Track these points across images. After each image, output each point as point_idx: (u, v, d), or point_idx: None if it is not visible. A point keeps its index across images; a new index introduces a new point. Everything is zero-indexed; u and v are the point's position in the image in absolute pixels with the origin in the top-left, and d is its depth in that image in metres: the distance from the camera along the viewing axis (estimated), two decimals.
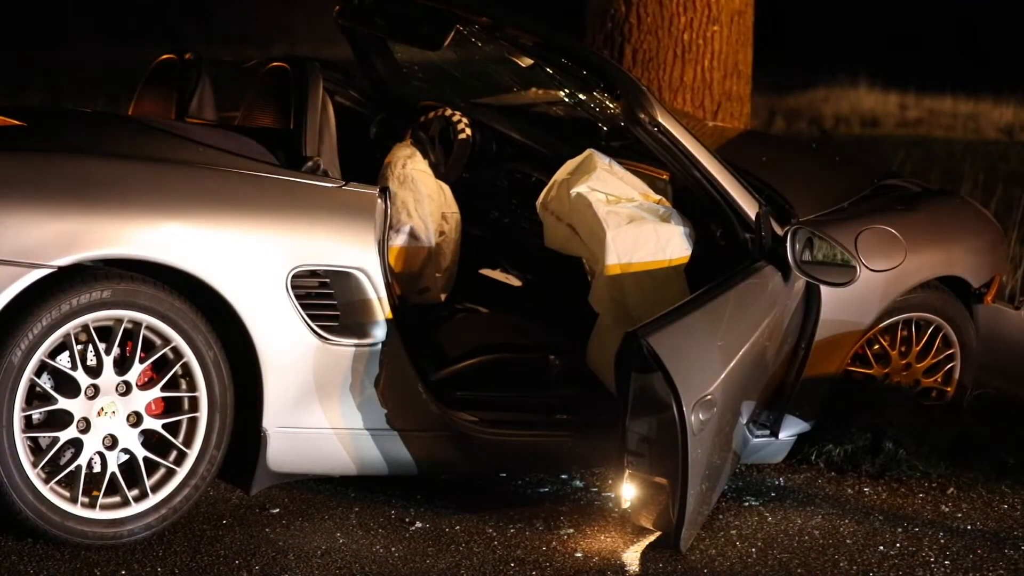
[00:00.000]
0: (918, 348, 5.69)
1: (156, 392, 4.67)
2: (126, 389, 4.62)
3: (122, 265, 4.58)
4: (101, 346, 4.57)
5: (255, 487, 4.90)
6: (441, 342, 5.45)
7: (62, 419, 4.56)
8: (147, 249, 4.54)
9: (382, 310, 4.85)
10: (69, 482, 4.58)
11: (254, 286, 4.68)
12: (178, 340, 4.63)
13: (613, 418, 4.84)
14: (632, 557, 4.78)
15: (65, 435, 4.56)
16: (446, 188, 5.87)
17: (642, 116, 5.04)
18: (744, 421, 5.12)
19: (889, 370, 5.66)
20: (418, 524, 4.94)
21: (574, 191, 5.28)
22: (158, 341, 4.63)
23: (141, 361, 4.63)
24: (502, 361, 5.41)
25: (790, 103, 15.65)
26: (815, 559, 4.81)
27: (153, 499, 4.66)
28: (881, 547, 4.92)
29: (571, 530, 4.95)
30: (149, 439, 4.69)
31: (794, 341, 5.25)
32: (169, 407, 4.71)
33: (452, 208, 5.85)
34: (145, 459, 4.67)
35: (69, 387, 4.56)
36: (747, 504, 5.24)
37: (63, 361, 4.56)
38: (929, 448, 5.59)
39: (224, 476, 4.94)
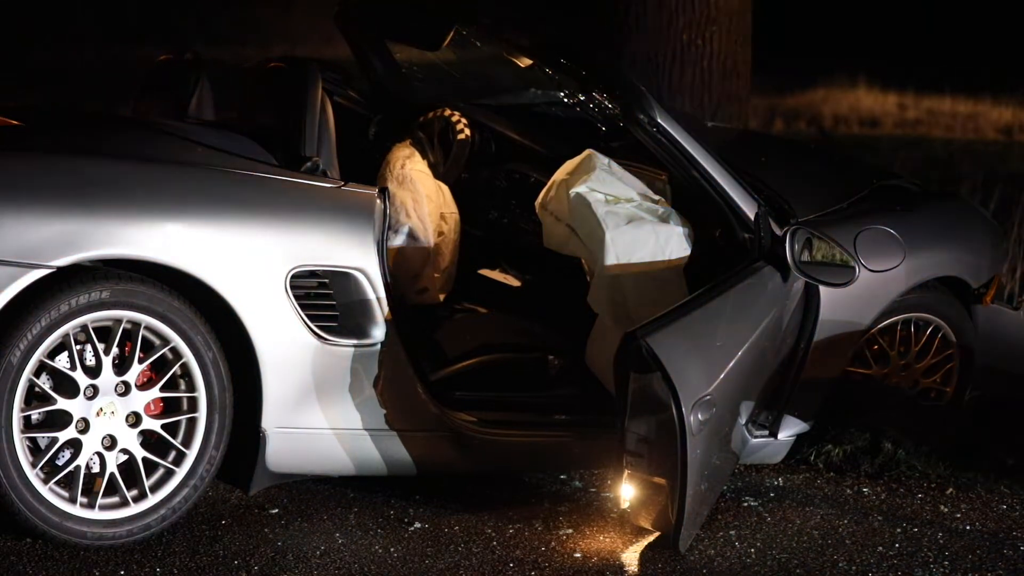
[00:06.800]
0: (917, 348, 5.69)
1: (155, 392, 4.67)
2: (125, 389, 4.62)
3: (121, 265, 4.58)
4: (100, 346, 4.57)
5: (254, 487, 4.90)
6: (440, 342, 5.45)
7: (61, 419, 4.56)
8: (146, 249, 4.54)
9: (381, 310, 4.85)
10: (68, 482, 4.58)
11: (253, 286, 4.68)
12: (177, 340, 4.63)
13: (612, 418, 4.84)
14: (631, 557, 4.78)
15: (64, 435, 4.56)
16: (445, 188, 5.87)
17: (641, 117, 5.04)
18: (743, 421, 5.12)
19: (888, 370, 5.66)
20: (417, 524, 4.94)
21: (573, 191, 5.28)
22: (157, 341, 4.63)
23: (140, 361, 4.63)
24: (501, 361, 5.41)
25: (789, 103, 15.66)
26: (814, 559, 4.81)
27: (152, 499, 4.66)
28: (880, 547, 4.92)
29: (570, 530, 4.95)
30: (148, 439, 4.69)
31: (793, 341, 5.25)
32: (168, 407, 4.71)
33: (451, 208, 5.85)
34: (144, 459, 4.66)
35: (68, 387, 4.56)
36: (746, 504, 5.24)
37: (62, 361, 4.56)
38: (928, 448, 5.59)
39: (223, 476, 4.94)
